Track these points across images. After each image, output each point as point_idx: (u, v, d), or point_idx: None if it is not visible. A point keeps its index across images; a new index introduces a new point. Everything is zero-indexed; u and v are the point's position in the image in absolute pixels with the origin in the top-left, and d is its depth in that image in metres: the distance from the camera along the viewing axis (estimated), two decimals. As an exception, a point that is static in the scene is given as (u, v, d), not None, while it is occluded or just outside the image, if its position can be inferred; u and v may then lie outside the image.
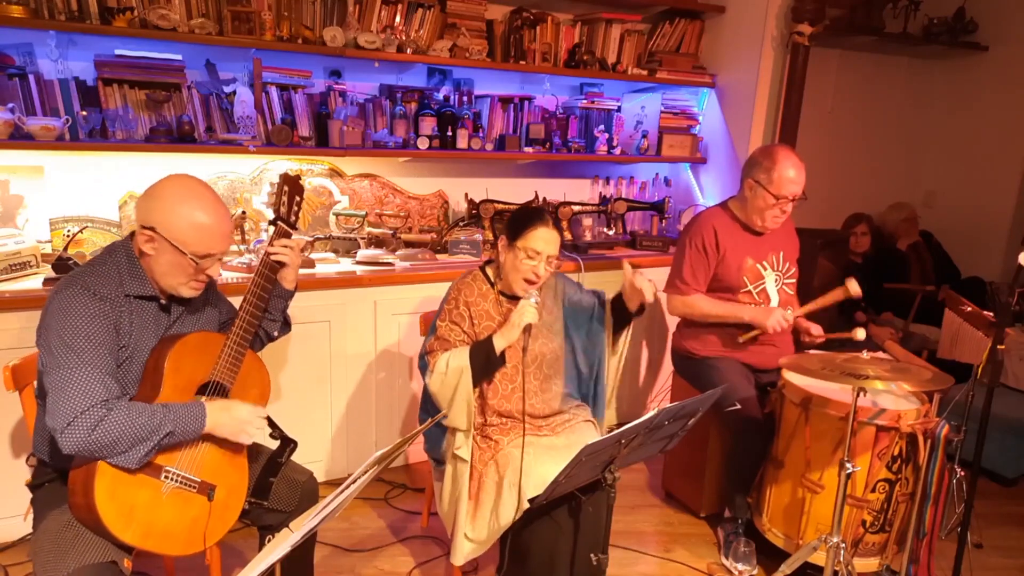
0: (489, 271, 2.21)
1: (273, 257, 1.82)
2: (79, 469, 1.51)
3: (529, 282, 2.06)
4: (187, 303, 1.76)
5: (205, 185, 1.69)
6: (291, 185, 1.84)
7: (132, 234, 1.68)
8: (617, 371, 2.33)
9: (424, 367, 2.11)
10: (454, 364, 1.99)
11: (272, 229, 1.86)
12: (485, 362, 2.00)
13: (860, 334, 2.39)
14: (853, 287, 2.47)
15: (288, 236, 1.85)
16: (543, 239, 2.05)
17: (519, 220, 2.11)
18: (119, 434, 1.46)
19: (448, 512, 2.12)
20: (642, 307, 2.18)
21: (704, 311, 2.63)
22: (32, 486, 1.71)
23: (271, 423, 1.86)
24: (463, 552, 2.01)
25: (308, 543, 1.96)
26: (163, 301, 1.70)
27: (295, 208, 1.86)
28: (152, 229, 1.60)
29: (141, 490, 1.55)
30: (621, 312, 2.22)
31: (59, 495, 1.60)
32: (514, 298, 2.12)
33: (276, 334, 2.04)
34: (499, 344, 2.00)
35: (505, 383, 2.12)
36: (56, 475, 1.67)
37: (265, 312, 1.85)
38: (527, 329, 2.02)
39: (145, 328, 1.66)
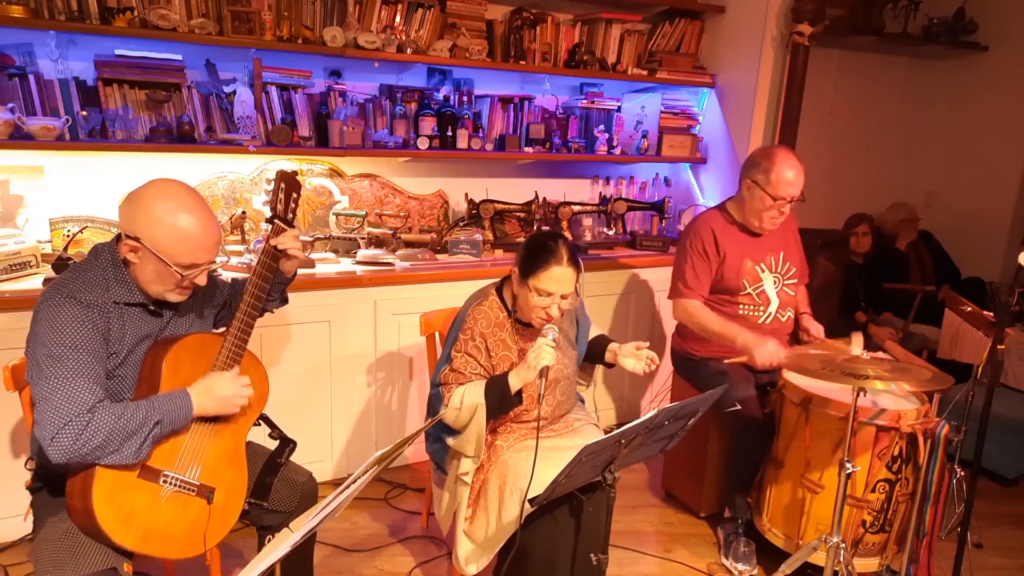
0: (505, 295, 2.08)
1: (285, 250, 1.80)
2: (77, 474, 1.51)
3: (544, 320, 1.97)
4: (177, 305, 1.74)
5: (192, 192, 1.64)
6: (288, 182, 1.82)
7: (118, 237, 1.65)
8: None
9: (437, 397, 2.03)
10: (468, 401, 1.91)
11: (270, 227, 1.84)
12: (500, 400, 1.92)
13: (856, 347, 2.20)
14: (856, 342, 2.24)
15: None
16: (556, 279, 1.90)
17: (531, 257, 1.94)
18: (107, 435, 1.45)
19: (445, 517, 2.11)
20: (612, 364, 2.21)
21: (703, 324, 2.58)
22: (31, 489, 1.70)
23: (269, 423, 1.85)
24: (469, 561, 1.99)
25: (308, 543, 1.96)
26: (152, 307, 1.67)
27: (292, 205, 1.84)
28: (136, 239, 1.57)
29: (139, 494, 1.54)
30: (596, 354, 2.24)
31: (57, 500, 1.59)
32: (531, 327, 2.04)
33: (273, 310, 2.05)
34: (514, 384, 1.90)
35: (519, 410, 2.07)
36: (54, 480, 1.66)
37: (263, 305, 1.83)
38: (543, 372, 1.86)
39: (137, 332, 1.64)
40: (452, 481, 2.07)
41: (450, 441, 2.01)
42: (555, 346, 1.88)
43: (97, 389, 1.50)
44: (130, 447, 1.49)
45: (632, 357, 2.11)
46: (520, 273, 1.96)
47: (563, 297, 1.94)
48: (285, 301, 2.07)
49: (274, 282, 1.88)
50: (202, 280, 1.66)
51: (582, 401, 2.35)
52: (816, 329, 2.61)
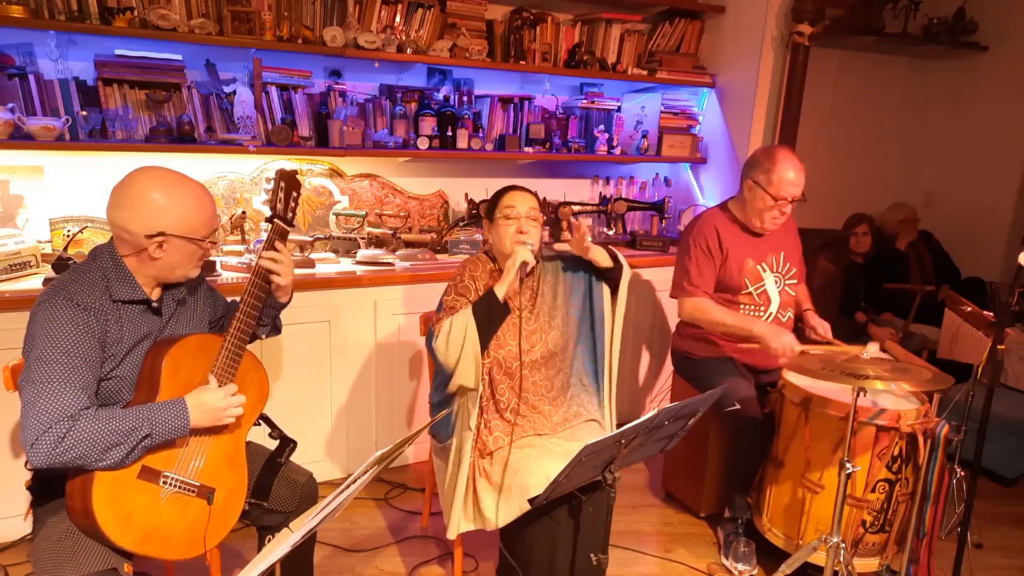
0: (491, 253, 2.26)
1: (263, 266, 1.77)
2: (77, 475, 1.50)
3: (519, 242, 2.08)
4: (179, 304, 1.74)
5: (168, 169, 1.68)
6: (288, 181, 1.81)
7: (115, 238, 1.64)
8: (612, 340, 2.26)
9: (430, 334, 2.08)
10: (458, 322, 2.00)
11: (270, 227, 1.83)
12: (488, 312, 2.01)
13: (871, 350, 2.18)
14: (871, 350, 2.21)
15: (286, 234, 1.81)
16: (516, 198, 2.14)
17: (492, 197, 2.22)
18: (89, 444, 1.43)
19: (447, 495, 2.11)
20: (615, 261, 2.18)
21: (714, 319, 2.55)
22: (31, 489, 1.70)
23: (270, 423, 1.85)
24: (456, 526, 2.02)
25: (308, 543, 1.96)
26: (154, 304, 1.67)
27: (292, 205, 1.83)
28: (161, 233, 1.58)
29: (140, 496, 1.53)
30: (602, 274, 2.23)
31: (57, 501, 1.58)
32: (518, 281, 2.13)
33: (264, 336, 2.02)
34: (499, 291, 2.02)
35: (504, 372, 2.10)
36: (54, 480, 1.64)
37: (256, 323, 1.81)
38: (523, 269, 2.02)
39: (136, 332, 1.63)
40: (460, 429, 2.07)
41: (451, 386, 2.05)
42: (532, 249, 2.06)
43: (83, 396, 1.48)
44: (113, 456, 1.46)
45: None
46: (488, 217, 2.21)
47: (528, 216, 2.11)
48: (277, 330, 2.03)
49: (266, 304, 1.83)
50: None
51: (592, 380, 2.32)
52: (823, 327, 2.60)
